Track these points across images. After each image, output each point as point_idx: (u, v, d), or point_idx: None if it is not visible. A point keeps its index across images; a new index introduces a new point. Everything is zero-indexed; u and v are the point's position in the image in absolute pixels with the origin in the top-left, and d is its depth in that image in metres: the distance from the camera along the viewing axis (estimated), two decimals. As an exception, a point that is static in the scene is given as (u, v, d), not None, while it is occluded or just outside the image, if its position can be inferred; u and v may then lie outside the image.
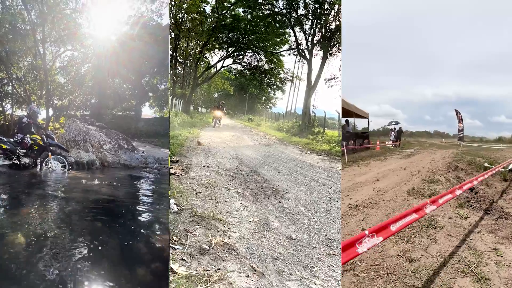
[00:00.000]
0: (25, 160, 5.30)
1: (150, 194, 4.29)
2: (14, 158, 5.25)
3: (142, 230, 2.84)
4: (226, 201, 3.40)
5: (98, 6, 7.94)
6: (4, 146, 5.19)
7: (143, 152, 6.66)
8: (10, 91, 7.89)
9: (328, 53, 8.25)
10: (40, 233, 2.57)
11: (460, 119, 12.55)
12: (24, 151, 5.27)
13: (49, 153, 5.29)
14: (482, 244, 2.74)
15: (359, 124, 11.70)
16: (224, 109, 8.09)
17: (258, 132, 8.62)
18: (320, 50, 8.38)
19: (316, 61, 8.37)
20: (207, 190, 3.66)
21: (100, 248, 2.43)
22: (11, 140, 5.33)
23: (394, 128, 14.06)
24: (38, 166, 5.29)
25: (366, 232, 1.60)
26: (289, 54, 8.76)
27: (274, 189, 3.99)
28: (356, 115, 10.88)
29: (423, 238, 2.80)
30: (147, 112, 9.16)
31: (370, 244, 1.59)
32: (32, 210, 3.20)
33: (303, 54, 8.54)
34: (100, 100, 8.68)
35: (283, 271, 2.23)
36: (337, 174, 4.94)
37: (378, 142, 12.01)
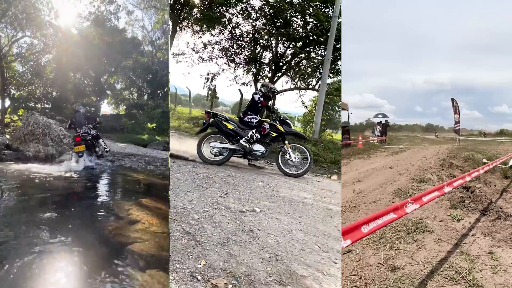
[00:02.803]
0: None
1: (108, 185, 4.88)
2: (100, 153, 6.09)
3: (112, 219, 3.16)
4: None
5: (59, -6, 7.90)
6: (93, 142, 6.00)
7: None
8: (-43, 75, 7.68)
9: (178, 26, 8.61)
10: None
11: (456, 110, 11.60)
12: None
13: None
14: (477, 248, 2.64)
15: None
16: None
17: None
18: (169, 21, 8.82)
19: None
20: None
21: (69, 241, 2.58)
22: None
23: (381, 122, 13.32)
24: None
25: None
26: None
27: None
28: None
29: (409, 243, 2.67)
30: (106, 109, 9.90)
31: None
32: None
33: (151, 21, 8.83)
34: (61, 94, 8.79)
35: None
36: (186, 146, 5.69)
37: (360, 138, 11.44)
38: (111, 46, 8.93)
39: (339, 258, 2.29)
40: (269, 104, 5.48)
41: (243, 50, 9.83)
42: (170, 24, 9.49)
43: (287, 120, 5.36)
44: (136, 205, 3.61)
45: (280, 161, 5.17)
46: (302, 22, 9.61)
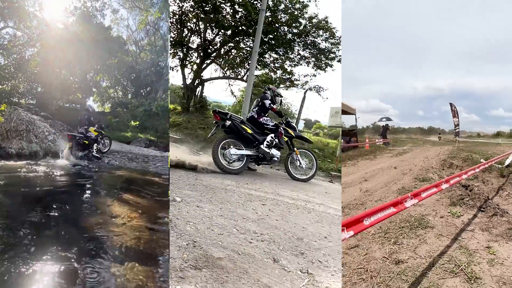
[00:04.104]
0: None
1: (92, 181, 4.84)
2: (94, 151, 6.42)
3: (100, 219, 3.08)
4: None
5: (44, -15, 7.43)
6: (86, 142, 6.31)
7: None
8: None
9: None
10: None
11: (455, 113, 12.33)
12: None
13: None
14: (475, 242, 2.77)
15: (346, 121, 11.75)
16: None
17: None
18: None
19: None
20: None
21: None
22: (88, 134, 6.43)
23: (386, 125, 14.39)
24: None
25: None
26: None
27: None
28: (343, 111, 10.80)
29: (411, 238, 2.81)
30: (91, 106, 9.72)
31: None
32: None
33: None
34: (46, 90, 8.49)
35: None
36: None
37: (367, 140, 12.07)
38: (97, 44, 8.66)
39: (254, 238, 2.39)
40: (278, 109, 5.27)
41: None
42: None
43: (293, 124, 5.22)
44: (117, 200, 3.70)
45: (289, 166, 5.06)
46: (231, 11, 9.49)
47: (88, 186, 4.58)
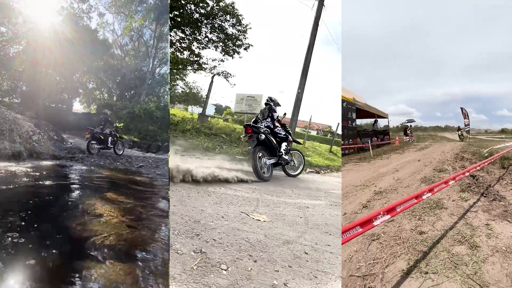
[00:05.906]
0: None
1: (76, 181, 4.81)
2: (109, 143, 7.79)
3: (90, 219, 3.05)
4: None
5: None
6: (102, 137, 7.57)
7: (71, 143, 7.50)
8: None
9: None
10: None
11: (465, 115, 14.82)
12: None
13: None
14: (477, 220, 3.31)
15: (381, 123, 14.64)
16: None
17: None
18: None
19: None
20: None
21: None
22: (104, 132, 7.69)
23: (406, 125, 16.74)
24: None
25: (381, 212, 2.09)
26: None
27: None
28: (378, 116, 13.21)
29: (431, 216, 3.49)
30: (78, 107, 9.98)
31: (381, 220, 2.13)
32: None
33: None
34: (32, 89, 8.22)
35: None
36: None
37: (397, 138, 14.23)
38: (84, 45, 8.41)
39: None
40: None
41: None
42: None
43: (289, 130, 5.64)
44: (100, 199, 3.67)
45: (285, 165, 5.51)
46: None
47: (72, 186, 4.42)
